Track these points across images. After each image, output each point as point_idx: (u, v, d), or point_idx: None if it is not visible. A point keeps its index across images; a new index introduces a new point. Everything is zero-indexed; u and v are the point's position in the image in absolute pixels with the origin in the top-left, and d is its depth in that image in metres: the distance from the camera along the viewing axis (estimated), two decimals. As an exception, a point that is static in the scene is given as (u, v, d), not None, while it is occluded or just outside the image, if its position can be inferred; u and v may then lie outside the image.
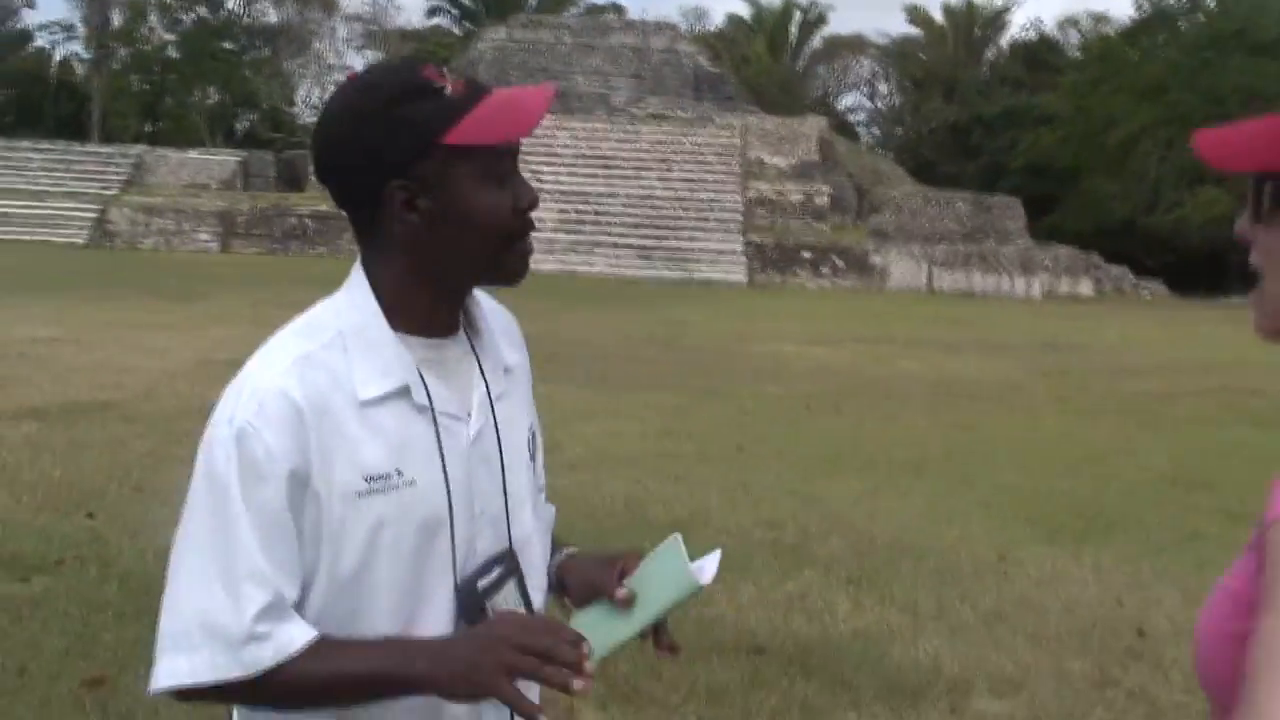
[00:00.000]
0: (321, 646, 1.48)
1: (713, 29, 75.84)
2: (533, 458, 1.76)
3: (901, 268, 41.50)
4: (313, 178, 42.98)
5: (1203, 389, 14.98)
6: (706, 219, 43.00)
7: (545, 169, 44.16)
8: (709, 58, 55.20)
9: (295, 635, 1.47)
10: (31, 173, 45.11)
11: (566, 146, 45.33)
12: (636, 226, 42.33)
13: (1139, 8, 59.04)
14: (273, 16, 68.42)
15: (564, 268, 40.22)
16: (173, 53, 64.58)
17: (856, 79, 79.29)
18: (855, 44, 76.28)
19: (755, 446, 10.06)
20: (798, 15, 74.47)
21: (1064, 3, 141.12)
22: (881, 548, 6.94)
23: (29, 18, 69.97)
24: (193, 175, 44.09)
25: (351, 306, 1.58)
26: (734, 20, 77.33)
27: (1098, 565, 6.67)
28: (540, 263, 40.30)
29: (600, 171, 44.43)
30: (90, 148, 48.65)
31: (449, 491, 1.55)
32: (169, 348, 14.60)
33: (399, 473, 1.52)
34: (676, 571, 1.58)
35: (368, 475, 1.50)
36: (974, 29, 73.10)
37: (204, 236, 39.88)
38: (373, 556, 1.52)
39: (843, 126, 67.24)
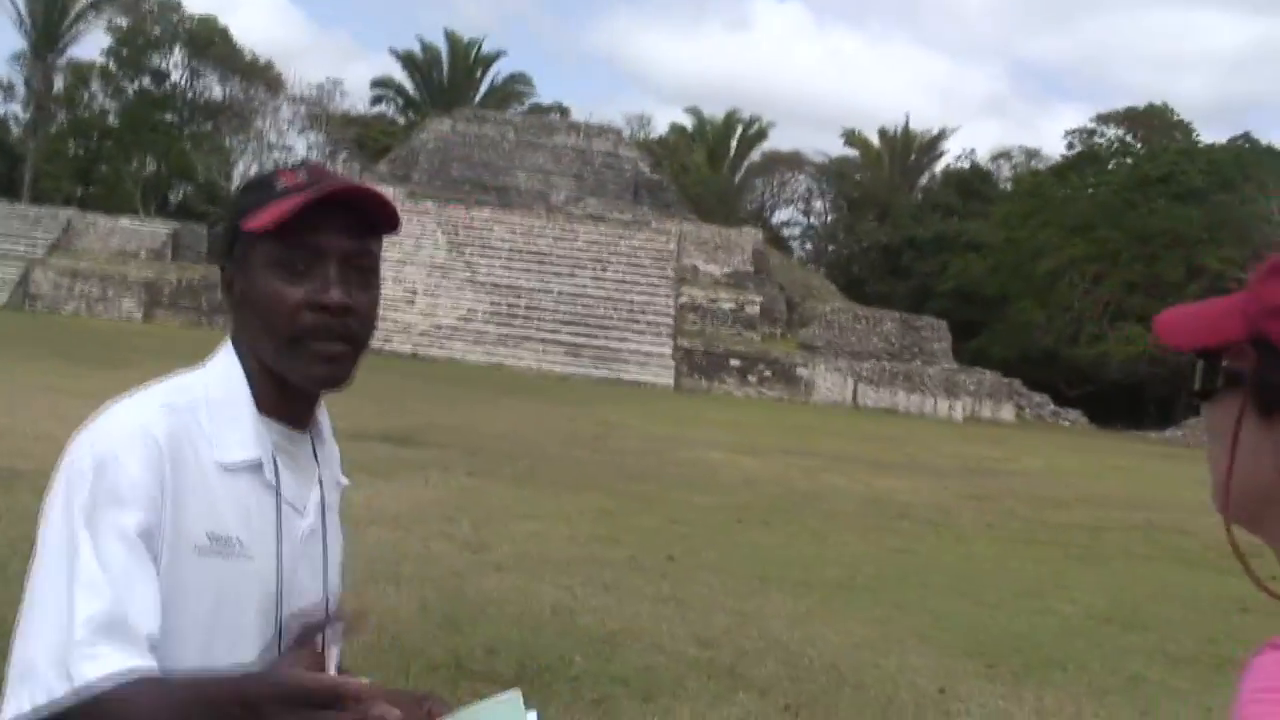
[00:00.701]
0: (159, 683, 1.36)
1: (655, 136, 76.85)
2: (343, 584, 1.76)
3: (828, 381, 41.80)
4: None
5: (1129, 524, 15.00)
6: (637, 320, 43.12)
7: (480, 261, 44.15)
8: (650, 163, 55.85)
9: (128, 660, 1.36)
10: (-45, 230, 44.21)
11: (503, 240, 45.38)
12: (567, 323, 42.31)
13: (1070, 146, 60.89)
14: (218, 92, 68.27)
15: (492, 359, 40.02)
16: (113, 120, 64.02)
17: (792, 194, 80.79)
18: (793, 160, 77.78)
19: (686, 558, 9.80)
20: (739, 129, 75.79)
21: (998, 135, 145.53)
22: (819, 673, 6.69)
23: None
24: (122, 243, 43.46)
25: (220, 378, 1.59)
26: (676, 129, 78.57)
27: (1040, 707, 6.46)
28: (468, 353, 40.18)
29: (535, 267, 44.47)
30: (19, 208, 47.81)
31: (279, 574, 1.55)
32: (85, 415, 14.05)
33: (240, 541, 1.51)
34: None
35: (212, 534, 1.48)
36: (909, 155, 74.90)
37: (128, 304, 39.19)
38: (186, 621, 1.46)
39: (777, 240, 68.19)
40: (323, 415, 1.71)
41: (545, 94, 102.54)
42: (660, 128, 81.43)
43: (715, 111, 78.29)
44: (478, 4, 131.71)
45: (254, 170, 67.09)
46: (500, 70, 74.30)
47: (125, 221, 45.95)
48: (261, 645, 1.54)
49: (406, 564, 8.06)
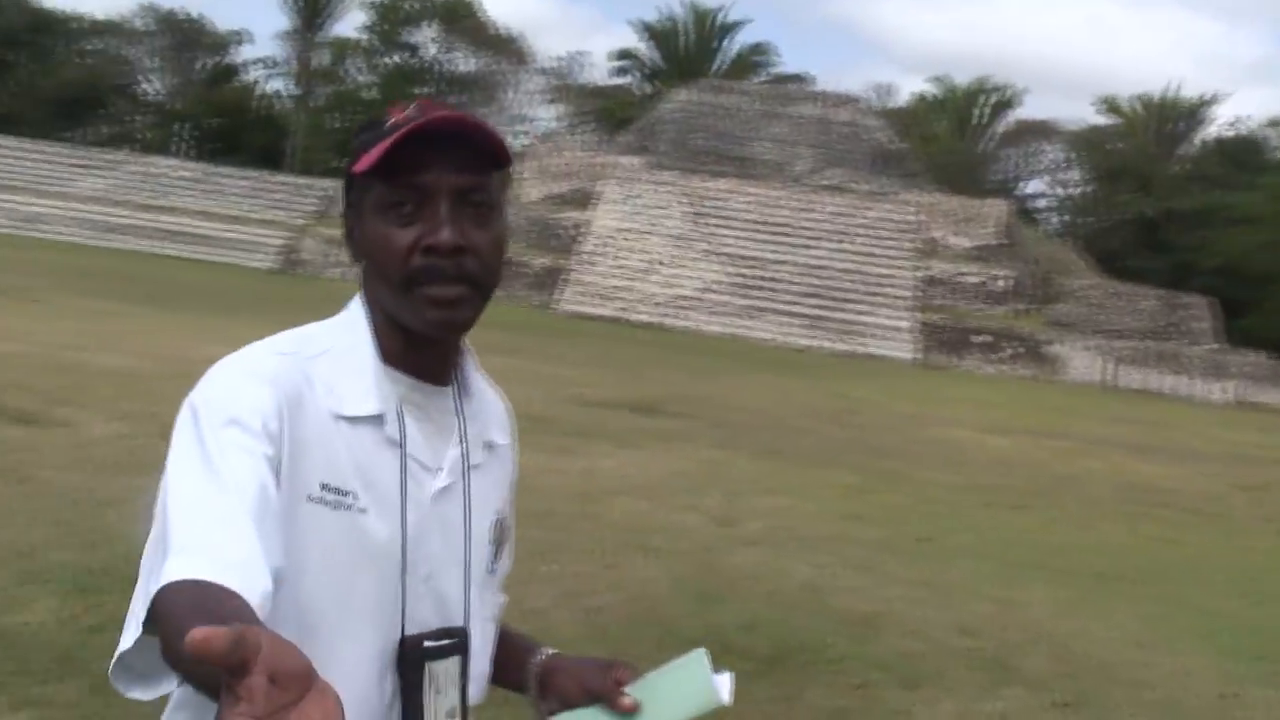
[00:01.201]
0: (204, 588, 1.13)
1: (898, 106, 75.08)
2: (496, 545, 1.63)
3: (1079, 360, 40.12)
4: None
5: None
6: (879, 294, 42.34)
7: (720, 232, 44.13)
8: (893, 133, 54.62)
9: (181, 566, 1.16)
10: (230, 197, 46.97)
11: (743, 211, 45.21)
12: (807, 295, 41.88)
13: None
14: (468, 66, 70.33)
15: (731, 330, 39.98)
16: (370, 94, 66.80)
17: (1043, 165, 77.54)
18: (1044, 129, 74.73)
19: (939, 540, 9.49)
20: (987, 97, 73.38)
21: (1267, 102, 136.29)
22: (1090, 669, 6.32)
23: (239, 53, 73.34)
24: (379, 212, 45.22)
25: (345, 328, 1.52)
26: (920, 98, 76.60)
27: (1340, 719, 5.95)
28: (708, 324, 40.26)
29: (775, 238, 44.16)
30: (285, 178, 50.43)
31: (404, 536, 1.45)
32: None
33: (356, 495, 1.41)
34: (698, 685, 1.51)
35: (324, 482, 1.39)
36: (1170, 123, 70.87)
37: (383, 272, 40.87)
38: (300, 571, 1.34)
39: (1026, 212, 65.81)
40: (472, 369, 1.62)
41: (787, 64, 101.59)
42: (903, 97, 79.62)
43: (961, 80, 75.98)
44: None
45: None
46: (742, 40, 74.06)
47: (384, 191, 47.81)
48: (380, 611, 1.43)
49: (656, 536, 8.04)
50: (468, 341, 1.60)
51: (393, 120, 1.46)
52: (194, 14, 70.42)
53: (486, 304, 1.51)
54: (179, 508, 1.27)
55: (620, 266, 42.50)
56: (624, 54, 74.22)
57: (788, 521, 9.35)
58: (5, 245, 36.69)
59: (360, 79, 70.18)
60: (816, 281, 42.50)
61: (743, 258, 43.23)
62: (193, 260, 42.00)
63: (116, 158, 50.05)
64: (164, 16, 69.28)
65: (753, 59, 73.29)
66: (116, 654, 1.19)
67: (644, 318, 40.24)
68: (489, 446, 1.62)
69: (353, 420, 1.44)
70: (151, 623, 1.16)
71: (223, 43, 71.11)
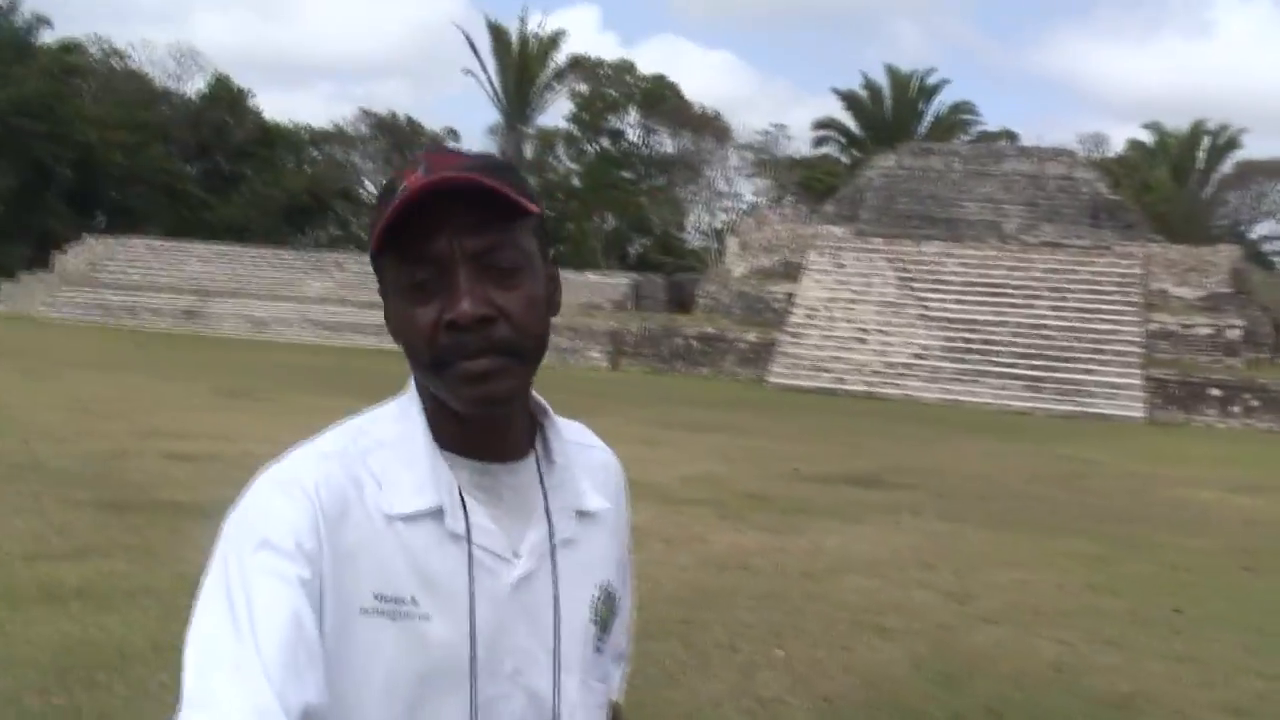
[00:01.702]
0: None
1: (1112, 155, 72.77)
2: (602, 623, 1.49)
3: (1323, 411, 37.73)
4: (699, 300, 44.74)
5: None
6: (1102, 350, 40.77)
7: (931, 296, 43.39)
8: (1108, 185, 52.90)
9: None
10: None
11: (954, 274, 44.38)
12: (1026, 356, 40.66)
13: None
14: (669, 147, 71.55)
15: (947, 396, 39.07)
16: (576, 182, 68.59)
17: (1273, 206, 73.78)
18: (1272, 169, 71.16)
19: (1194, 610, 8.88)
20: (1206, 140, 70.47)
21: None
22: (1383, 754, 5.77)
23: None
24: (589, 296, 46.08)
25: (398, 416, 1.42)
26: (1134, 146, 74.08)
27: None
28: (923, 390, 39.44)
29: (989, 299, 43.12)
30: (498, 268, 51.98)
31: (473, 639, 1.33)
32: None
33: (414, 601, 1.31)
34: None
35: (378, 593, 1.30)
36: None
37: (594, 354, 41.49)
38: (363, 692, 1.27)
39: (1257, 256, 62.60)
40: (555, 432, 1.49)
41: (990, 120, 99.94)
42: (1116, 146, 77.13)
43: (1178, 124, 73.15)
44: (917, 36, 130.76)
45: (705, 220, 69.73)
46: (943, 100, 73.16)
47: (591, 276, 48.77)
48: None
49: (890, 615, 7.76)
50: (541, 399, 1.49)
51: (401, 187, 1.33)
52: (407, 115, 73.98)
53: (532, 369, 1.39)
54: (194, 653, 1.21)
55: (830, 337, 42.12)
56: (825, 123, 74.23)
57: (1027, 596, 8.91)
58: (239, 349, 38.84)
59: (567, 166, 72.21)
60: (1035, 341, 41.24)
61: (957, 321, 42.33)
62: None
63: (340, 258, 52.55)
64: (379, 120, 72.95)
65: (958, 116, 72.33)
66: None
67: (857, 387, 39.68)
68: (582, 515, 1.49)
69: (408, 519, 1.34)
70: None
71: (436, 142, 74.30)
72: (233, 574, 1.25)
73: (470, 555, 1.36)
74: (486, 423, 1.40)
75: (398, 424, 1.41)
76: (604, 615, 1.50)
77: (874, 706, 5.76)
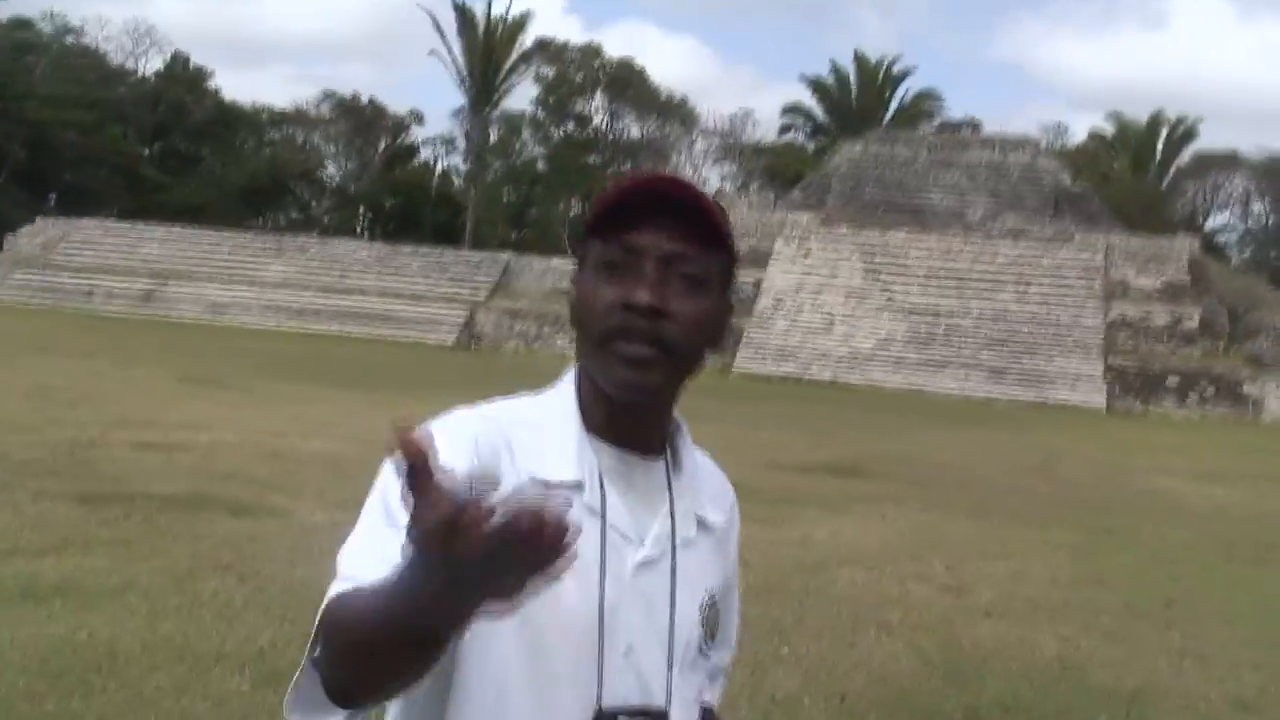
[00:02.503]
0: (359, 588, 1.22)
1: (1073, 145, 73.29)
2: (709, 627, 1.56)
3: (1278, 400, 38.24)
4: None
5: None
6: (1064, 340, 41.07)
7: (896, 284, 43.47)
8: (1070, 174, 53.22)
9: (339, 586, 1.28)
10: (410, 276, 48.25)
11: (919, 262, 44.47)
12: (989, 345, 40.89)
13: None
14: (636, 132, 71.30)
15: (912, 384, 39.20)
16: (541, 166, 68.21)
17: (1228, 197, 74.62)
18: (1228, 160, 71.97)
19: (1188, 602, 8.86)
20: (1165, 131, 71.10)
21: None
22: (1397, 751, 5.73)
23: (413, 133, 75.78)
24: (555, 282, 45.84)
25: (553, 398, 1.54)
26: (1095, 136, 74.65)
27: None
28: (887, 379, 39.51)
29: (953, 288, 43.30)
30: (463, 253, 51.60)
31: (601, 608, 1.42)
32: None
33: None
34: None
35: None
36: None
37: (561, 341, 41.25)
38: (492, 635, 1.33)
39: (1212, 246, 63.26)
40: (687, 445, 1.59)
41: (954, 108, 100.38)
42: (1078, 135, 77.70)
43: (1137, 114, 73.73)
44: (881, 25, 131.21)
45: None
46: (909, 88, 73.35)
47: (556, 261, 48.51)
48: (576, 682, 1.41)
49: (891, 609, 7.66)
50: (681, 415, 1.57)
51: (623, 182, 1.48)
52: (370, 97, 73.22)
53: (683, 377, 1.48)
54: (351, 547, 1.34)
55: (796, 324, 42.13)
56: (792, 109, 74.26)
57: (1022, 588, 8.85)
58: (200, 334, 38.32)
59: (533, 151, 71.74)
60: (999, 330, 41.46)
61: (920, 310, 42.45)
62: (376, 339, 43.16)
63: (300, 242, 51.96)
64: (342, 102, 72.16)
65: (923, 104, 72.65)
66: (291, 683, 1.25)
67: (823, 375, 39.73)
68: (702, 523, 1.58)
69: (551, 486, 1.43)
70: (317, 647, 1.23)
71: (399, 125, 73.68)
72: (390, 491, 1.33)
73: (603, 531, 1.44)
74: (633, 413, 1.50)
75: (552, 404, 1.53)
76: (710, 620, 1.56)
77: (889, 704, 5.65)
